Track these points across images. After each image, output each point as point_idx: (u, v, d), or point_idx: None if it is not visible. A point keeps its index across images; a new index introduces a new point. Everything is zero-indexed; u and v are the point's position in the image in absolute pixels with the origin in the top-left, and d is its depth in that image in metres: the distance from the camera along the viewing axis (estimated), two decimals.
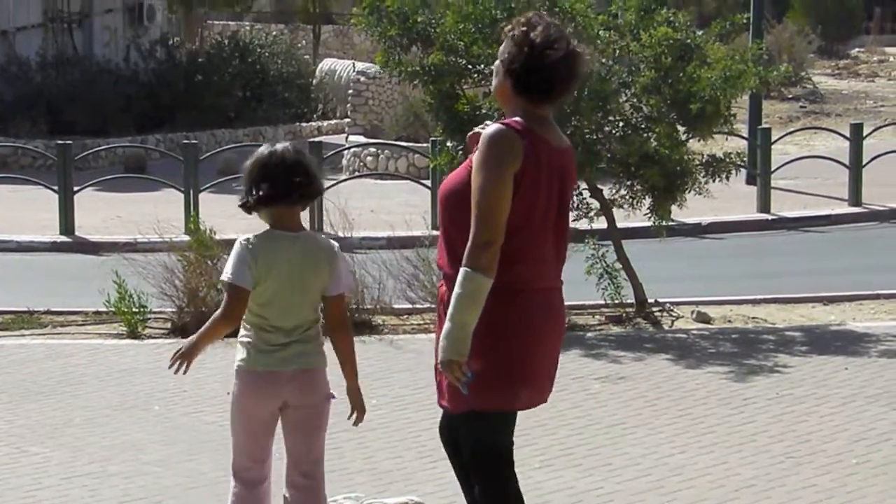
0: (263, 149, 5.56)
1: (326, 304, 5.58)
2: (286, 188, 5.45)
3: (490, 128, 4.96)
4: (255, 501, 5.61)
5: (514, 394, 5.04)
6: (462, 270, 4.83)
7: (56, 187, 18.57)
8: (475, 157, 4.95)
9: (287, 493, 5.68)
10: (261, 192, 5.45)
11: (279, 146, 5.56)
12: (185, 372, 5.55)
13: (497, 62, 5.12)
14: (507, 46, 5.07)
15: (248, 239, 5.52)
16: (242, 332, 5.59)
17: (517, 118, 5.01)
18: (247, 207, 5.54)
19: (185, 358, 5.53)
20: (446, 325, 4.86)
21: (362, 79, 29.85)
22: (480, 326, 4.87)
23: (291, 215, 5.55)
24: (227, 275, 5.49)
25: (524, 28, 5.03)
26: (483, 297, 4.83)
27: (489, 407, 5.03)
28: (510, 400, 5.06)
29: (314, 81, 33.97)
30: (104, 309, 11.81)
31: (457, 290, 4.84)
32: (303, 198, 5.53)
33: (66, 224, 18.31)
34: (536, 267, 5.01)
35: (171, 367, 5.53)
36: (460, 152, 11.39)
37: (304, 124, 32.32)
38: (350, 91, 30.29)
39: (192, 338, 5.56)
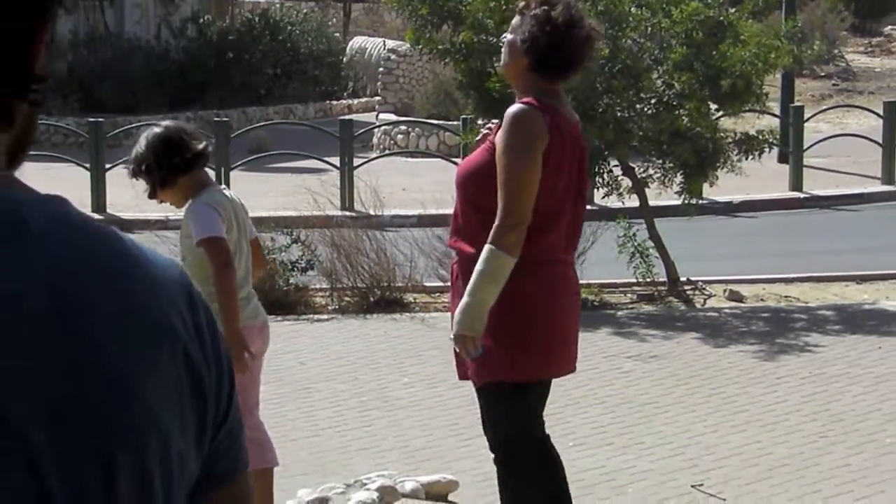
0: (150, 131, 5.62)
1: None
2: (203, 148, 5.62)
3: (513, 108, 4.95)
4: None
5: (546, 363, 5.03)
6: (487, 248, 4.82)
7: (87, 165, 18.62)
8: (500, 139, 4.94)
9: None
10: (190, 156, 5.51)
11: (160, 125, 5.71)
12: (251, 359, 5.56)
13: (508, 38, 5.10)
14: (523, 24, 5.05)
15: (201, 197, 5.58)
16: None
17: (533, 97, 4.99)
18: (164, 182, 5.55)
19: (243, 351, 5.49)
20: (465, 299, 4.85)
21: (393, 56, 29.80)
22: (506, 299, 4.86)
23: (207, 173, 5.75)
24: (205, 233, 5.48)
25: (545, 6, 5.01)
26: (504, 277, 4.82)
27: (524, 377, 5.01)
28: (545, 369, 5.05)
29: (345, 59, 33.93)
30: None
31: (480, 266, 4.82)
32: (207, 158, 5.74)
33: (98, 201, 18.36)
34: (557, 239, 5.01)
35: (240, 371, 5.39)
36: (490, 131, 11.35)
37: (334, 102, 32.31)
38: (381, 69, 30.24)
39: (228, 331, 5.36)
